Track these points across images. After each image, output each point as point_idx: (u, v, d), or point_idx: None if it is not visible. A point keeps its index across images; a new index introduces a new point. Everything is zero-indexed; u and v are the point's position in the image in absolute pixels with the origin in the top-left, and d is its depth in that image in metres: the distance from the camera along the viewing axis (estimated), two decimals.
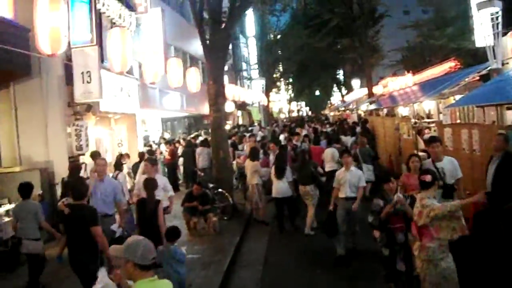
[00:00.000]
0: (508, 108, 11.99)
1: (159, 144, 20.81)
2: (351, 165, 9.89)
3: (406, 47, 37.19)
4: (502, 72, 13.32)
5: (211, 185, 13.55)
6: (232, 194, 13.94)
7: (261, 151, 15.34)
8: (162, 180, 10.06)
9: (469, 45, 21.34)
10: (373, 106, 29.29)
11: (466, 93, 15.12)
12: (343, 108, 51.15)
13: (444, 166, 8.15)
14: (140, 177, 10.71)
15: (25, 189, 8.50)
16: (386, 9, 39.37)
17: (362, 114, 33.41)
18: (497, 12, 13.45)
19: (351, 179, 9.64)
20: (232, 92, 32.89)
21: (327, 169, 13.79)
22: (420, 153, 16.32)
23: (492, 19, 13.71)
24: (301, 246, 10.74)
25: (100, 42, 13.63)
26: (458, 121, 11.60)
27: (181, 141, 21.95)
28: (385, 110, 27.24)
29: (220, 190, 13.27)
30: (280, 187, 11.83)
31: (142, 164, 12.61)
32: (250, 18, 45.56)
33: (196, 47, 24.43)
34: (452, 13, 25.15)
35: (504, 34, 14.07)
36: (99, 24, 14.96)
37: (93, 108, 14.23)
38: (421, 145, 17.02)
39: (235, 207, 13.61)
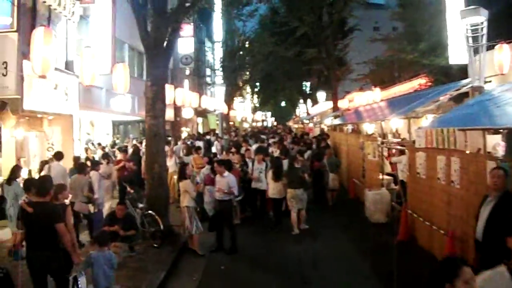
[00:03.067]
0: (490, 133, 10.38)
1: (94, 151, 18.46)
2: None
3: (375, 60, 35.85)
4: (483, 90, 11.72)
5: (140, 205, 11.58)
6: (167, 216, 11.93)
7: (206, 167, 13.44)
8: None
9: (442, 61, 19.89)
10: (337, 121, 27.76)
11: (440, 113, 13.55)
12: (307, 121, 49.69)
13: None
14: None
15: None
16: (357, 23, 38.30)
17: (326, 129, 31.81)
18: (482, 23, 11.79)
19: None
20: (192, 98, 31.23)
21: None
22: (386, 177, 14.86)
23: (474, 30, 12.05)
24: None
25: (30, 29, 11.96)
26: (434, 145, 9.98)
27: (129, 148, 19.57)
28: (349, 126, 25.66)
29: (150, 212, 11.21)
30: (277, 188, 12.96)
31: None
32: (217, 22, 43.97)
33: None
34: (425, 28, 23.76)
35: (490, 47, 12.49)
36: (32, 8, 13.19)
37: (12, 106, 12.07)
38: (388, 168, 15.46)
39: (170, 232, 11.56)
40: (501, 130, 9.89)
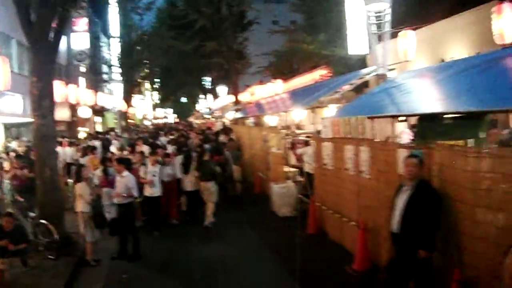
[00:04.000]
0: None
1: None
2: None
3: (275, 52, 35.83)
4: (387, 78, 11.62)
5: (32, 214, 10.46)
6: (63, 224, 10.84)
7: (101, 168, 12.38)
8: None
9: (342, 52, 19.99)
10: (239, 114, 27.37)
11: (344, 102, 13.40)
12: (208, 116, 49.22)
13: None
14: None
15: None
16: (256, 16, 38.25)
17: (228, 123, 31.38)
18: (385, 10, 11.64)
19: None
20: (87, 96, 29.74)
21: None
22: (291, 169, 14.54)
23: (377, 17, 11.88)
24: None
25: None
26: (342, 134, 9.71)
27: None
28: (251, 120, 25.36)
29: (42, 221, 10.10)
30: (188, 181, 13.04)
31: None
32: (113, 16, 42.44)
33: None
34: (324, 19, 23.86)
35: (394, 35, 12.40)
36: None
37: None
38: (293, 160, 15.16)
39: (67, 241, 10.48)
40: (404, 118, 9.79)
